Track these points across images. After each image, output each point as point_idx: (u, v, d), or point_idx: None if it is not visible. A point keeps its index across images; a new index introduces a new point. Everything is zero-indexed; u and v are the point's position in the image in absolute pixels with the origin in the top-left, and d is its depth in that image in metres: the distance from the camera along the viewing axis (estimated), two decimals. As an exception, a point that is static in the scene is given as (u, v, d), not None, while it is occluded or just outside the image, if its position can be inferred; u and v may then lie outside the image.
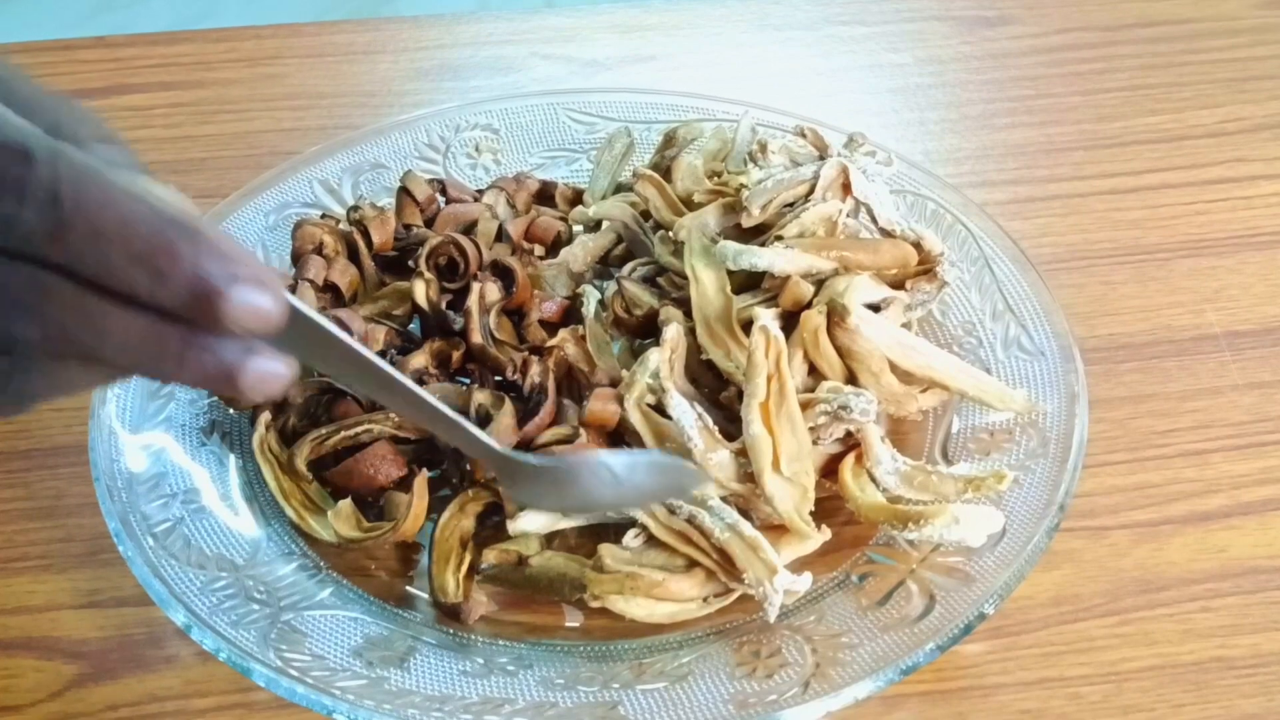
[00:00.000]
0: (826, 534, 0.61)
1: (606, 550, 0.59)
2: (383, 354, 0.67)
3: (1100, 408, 0.69)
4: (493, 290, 0.68)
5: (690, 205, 0.70)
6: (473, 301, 0.67)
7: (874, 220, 0.68)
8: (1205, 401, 0.71)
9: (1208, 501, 0.66)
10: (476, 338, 0.66)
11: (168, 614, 0.57)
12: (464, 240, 0.69)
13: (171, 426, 0.66)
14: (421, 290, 0.68)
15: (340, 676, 0.56)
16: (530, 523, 0.61)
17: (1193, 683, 0.59)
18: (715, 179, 0.71)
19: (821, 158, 0.70)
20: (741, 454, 0.61)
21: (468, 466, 0.63)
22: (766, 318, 0.62)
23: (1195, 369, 0.73)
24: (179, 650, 0.60)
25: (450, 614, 0.60)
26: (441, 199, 0.76)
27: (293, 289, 0.68)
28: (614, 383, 0.65)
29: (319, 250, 0.71)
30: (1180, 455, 0.68)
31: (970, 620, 0.57)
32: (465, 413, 0.64)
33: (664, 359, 0.63)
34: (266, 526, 0.63)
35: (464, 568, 0.61)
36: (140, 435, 0.64)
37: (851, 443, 0.63)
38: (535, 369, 0.65)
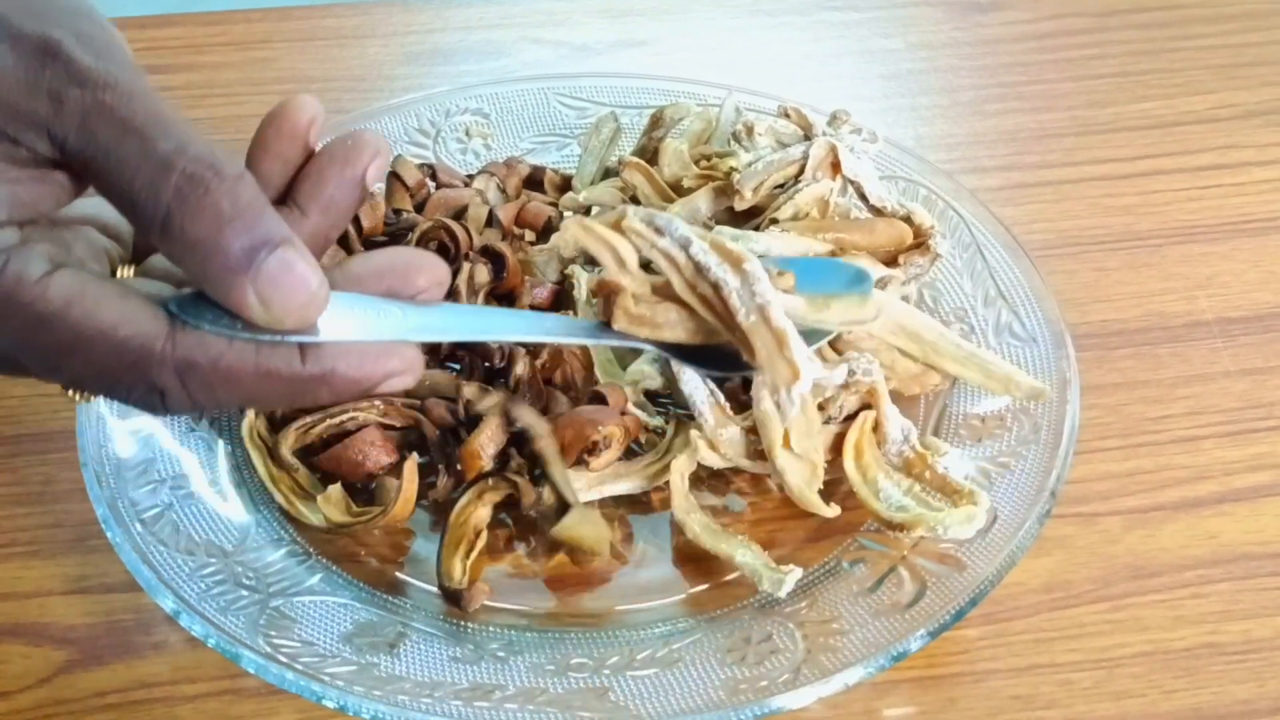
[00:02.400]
0: (836, 510, 0.61)
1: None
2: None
3: (1092, 394, 0.69)
4: (482, 272, 0.67)
5: (679, 190, 0.70)
6: (461, 281, 0.66)
7: (864, 198, 0.68)
8: (1197, 388, 0.71)
9: (1199, 488, 0.66)
10: (465, 321, 0.66)
11: (156, 600, 0.57)
12: (454, 225, 0.69)
13: (160, 412, 0.65)
14: (411, 275, 0.67)
15: (329, 662, 0.56)
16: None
17: (1184, 669, 0.59)
18: (704, 163, 0.71)
19: (806, 137, 0.70)
20: (752, 431, 0.61)
21: (456, 455, 0.63)
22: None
23: (1188, 355, 0.73)
24: (168, 636, 0.59)
25: (452, 599, 0.60)
26: (432, 184, 0.76)
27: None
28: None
29: (308, 235, 0.71)
30: (1172, 441, 0.68)
31: (962, 606, 0.57)
32: (455, 403, 0.63)
33: None
34: (255, 512, 0.62)
35: (473, 554, 0.61)
36: (129, 421, 0.64)
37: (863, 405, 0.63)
38: (520, 366, 0.64)
